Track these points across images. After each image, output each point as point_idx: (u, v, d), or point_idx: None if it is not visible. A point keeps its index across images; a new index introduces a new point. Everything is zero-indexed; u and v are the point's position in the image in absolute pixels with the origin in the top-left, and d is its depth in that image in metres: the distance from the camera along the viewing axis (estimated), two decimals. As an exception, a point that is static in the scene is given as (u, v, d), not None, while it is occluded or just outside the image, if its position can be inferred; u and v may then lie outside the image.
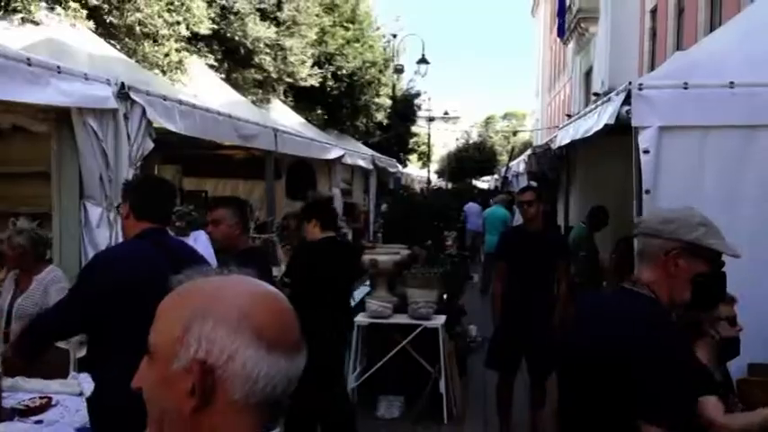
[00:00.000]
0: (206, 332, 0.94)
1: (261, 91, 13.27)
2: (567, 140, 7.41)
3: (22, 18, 6.39)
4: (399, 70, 23.57)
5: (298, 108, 15.56)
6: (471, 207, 14.31)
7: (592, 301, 2.33)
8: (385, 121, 22.40)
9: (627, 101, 4.56)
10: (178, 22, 9.31)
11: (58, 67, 4.41)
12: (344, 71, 17.82)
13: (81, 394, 3.15)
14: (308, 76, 14.46)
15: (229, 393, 0.94)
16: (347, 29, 18.77)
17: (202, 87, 9.10)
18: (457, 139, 46.83)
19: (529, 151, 13.26)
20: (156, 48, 9.15)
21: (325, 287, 4.28)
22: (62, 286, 3.92)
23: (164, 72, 9.15)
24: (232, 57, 12.09)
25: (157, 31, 9.14)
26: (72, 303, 2.62)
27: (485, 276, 12.59)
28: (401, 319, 5.57)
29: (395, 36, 23.55)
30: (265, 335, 0.95)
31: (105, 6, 8.26)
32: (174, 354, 0.95)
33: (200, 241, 6.80)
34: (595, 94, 17.94)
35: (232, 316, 0.95)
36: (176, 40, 9.61)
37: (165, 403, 0.97)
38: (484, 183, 44.20)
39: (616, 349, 1.86)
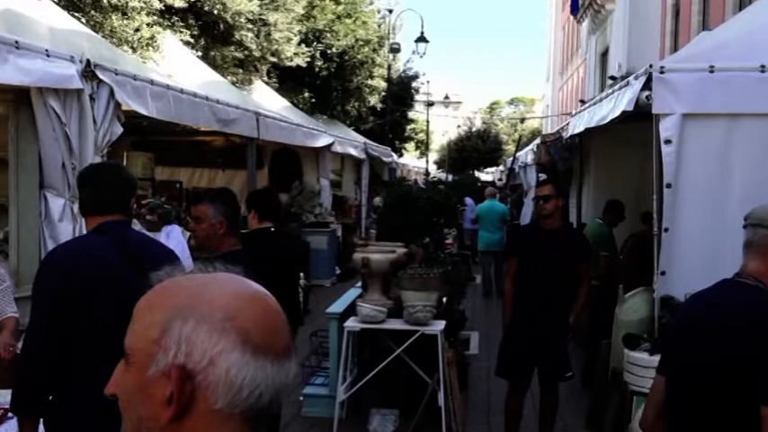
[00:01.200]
0: (186, 333, 0.93)
1: (242, 71, 13.24)
2: (580, 129, 7.41)
3: (-24, -13, 6.35)
4: (395, 50, 23.53)
5: (282, 90, 15.54)
6: (468, 203, 14.33)
7: (700, 303, 2.40)
8: (379, 106, 22.39)
9: (647, 85, 4.57)
10: (150, -6, 9.26)
11: (16, 42, 4.39)
12: (334, 50, 17.80)
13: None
14: (295, 54, 14.44)
15: (210, 401, 0.93)
16: (338, 3, 18.74)
17: (177, 66, 9.07)
18: (458, 126, 46.87)
19: (538, 140, 13.28)
20: (125, 22, 9.11)
21: (258, 280, 4.28)
22: (6, 286, 3.82)
23: (134, 49, 9.11)
24: (210, 32, 12.05)
25: (127, 3, 9.09)
26: (41, 324, 2.51)
27: (485, 277, 12.72)
28: (396, 324, 5.57)
29: (390, 12, 23.53)
30: (252, 338, 0.94)
31: (69, -25, 8.22)
32: (152, 357, 0.94)
33: (173, 237, 6.80)
34: (612, 78, 17.96)
35: (216, 317, 0.94)
36: (148, 14, 9.57)
37: (141, 412, 0.96)
38: (488, 174, 44.27)
39: (744, 356, 2.06)
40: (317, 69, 17.03)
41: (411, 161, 37.26)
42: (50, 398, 2.56)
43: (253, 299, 0.99)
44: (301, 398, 6.17)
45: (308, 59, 15.62)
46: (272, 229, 4.76)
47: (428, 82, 36.00)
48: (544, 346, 5.08)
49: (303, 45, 15.42)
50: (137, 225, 6.38)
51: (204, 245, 3.54)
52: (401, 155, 31.01)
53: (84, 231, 4.35)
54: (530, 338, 5.09)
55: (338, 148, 13.39)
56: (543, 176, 11.52)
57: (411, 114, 32.17)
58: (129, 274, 2.56)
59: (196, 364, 0.92)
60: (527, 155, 16.74)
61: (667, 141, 4.49)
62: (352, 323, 5.60)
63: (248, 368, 0.93)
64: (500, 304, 11.39)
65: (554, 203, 5.07)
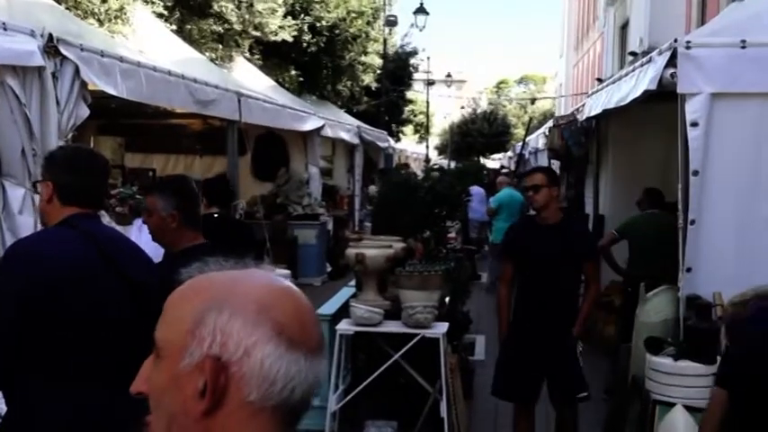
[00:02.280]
0: (221, 324, 1.00)
1: (221, 46, 13.19)
2: (597, 110, 7.42)
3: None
4: (392, 23, 23.49)
5: (267, 68, 15.50)
6: (475, 192, 14.36)
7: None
8: (374, 85, 22.35)
9: (671, 62, 4.57)
10: (119, -40, 9.21)
11: (-30, 13, 4.36)
12: (324, 23, 17.75)
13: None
14: (280, 28, 14.40)
15: (244, 394, 1.00)
16: (328, -30, 18.68)
17: (149, 41, 9.03)
18: (462, 108, 46.86)
19: (550, 123, 13.28)
20: (91, -9, 9.05)
21: None
22: None
23: (101, 22, 9.06)
24: (186, 4, 12.01)
25: (93, -29, 9.04)
26: (2, 331, 2.49)
27: (492, 273, 12.74)
28: (393, 326, 5.57)
29: (387, -20, 23.48)
30: (286, 331, 1.02)
31: (28, -61, 8.16)
32: (185, 349, 1.01)
33: (145, 231, 6.79)
34: (632, 54, 17.95)
35: (250, 308, 1.02)
36: (117, -17, 9.51)
37: (173, 407, 1.02)
38: (494, 161, 44.27)
39: None
40: (304, 45, 16.97)
41: (410, 146, 37.25)
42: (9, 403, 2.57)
43: (286, 293, 1.08)
44: (289, 409, 6.16)
45: (295, 33, 15.58)
46: (216, 215, 4.84)
47: (428, 59, 35.97)
48: (549, 362, 4.94)
49: (289, 17, 15.38)
50: (105, 218, 6.39)
51: (159, 241, 3.49)
52: (398, 139, 30.97)
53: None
54: (531, 352, 4.99)
55: (329, 132, 13.37)
56: (557, 163, 11.54)
57: (409, 95, 32.12)
58: (103, 272, 2.55)
59: (231, 356, 1.00)
60: (538, 139, 16.76)
61: (694, 124, 4.49)
62: (344, 326, 5.60)
63: (282, 361, 1.01)
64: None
65: (546, 194, 4.88)
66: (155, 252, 3.55)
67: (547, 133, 13.07)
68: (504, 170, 23.00)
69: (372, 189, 14.99)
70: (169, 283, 3.03)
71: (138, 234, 6.10)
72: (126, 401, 1.23)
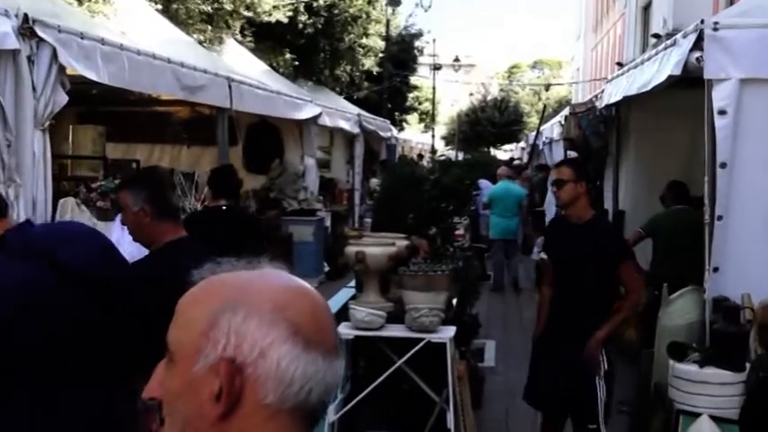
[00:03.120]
0: (236, 325, 1.05)
1: (210, 28, 13.20)
2: (617, 97, 7.41)
3: None
4: (395, 2, 23.53)
5: (260, 51, 15.50)
6: (484, 186, 14.40)
7: None
8: (375, 70, 22.35)
9: (697, 45, 4.58)
10: (100, -66, 9.22)
11: (-61, -8, 4.37)
12: (321, 2, 17.75)
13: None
14: (274, 8, 14.41)
15: (260, 396, 1.04)
16: (326, -55, 18.67)
17: (132, 22, 9.03)
18: (471, 95, 46.77)
19: (566, 111, 13.26)
20: (70, -32, 9.06)
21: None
22: None
23: (80, 1, 9.07)
24: (172, -19, 12.01)
25: (72, -54, 9.04)
26: None
27: (498, 270, 12.92)
28: (396, 331, 5.58)
29: (389, -44, 23.47)
30: (303, 331, 1.06)
31: None
32: (199, 351, 1.05)
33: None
34: (655, 36, 17.93)
35: (265, 308, 1.06)
36: (97, -41, 9.52)
37: (187, 411, 1.06)
38: (506, 152, 44.21)
39: None
40: (300, 26, 16.98)
41: (414, 136, 37.20)
42: None
43: (301, 292, 1.13)
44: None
45: (290, 14, 15.59)
46: (224, 208, 4.86)
47: (434, 41, 35.95)
48: (568, 379, 4.83)
49: (284, -4, 15.38)
50: (86, 213, 6.41)
51: (139, 239, 3.51)
52: (402, 129, 30.97)
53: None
54: (554, 363, 4.94)
55: (327, 121, 13.36)
56: (573, 155, 11.53)
57: (414, 80, 32.12)
58: (50, 284, 2.58)
59: (246, 357, 1.04)
60: (553, 129, 16.72)
61: (722, 112, 4.50)
62: (344, 330, 5.61)
63: (299, 361, 1.05)
64: (518, 305, 11.52)
65: (571, 190, 4.78)
66: (141, 253, 3.56)
67: (563, 122, 13.06)
68: (515, 162, 23.03)
69: (374, 182, 15.00)
70: (154, 281, 3.03)
71: (122, 232, 6.11)
72: (104, 400, 1.26)
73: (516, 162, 22.39)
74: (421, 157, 23.58)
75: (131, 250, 3.95)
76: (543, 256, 5.95)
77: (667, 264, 6.56)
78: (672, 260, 6.45)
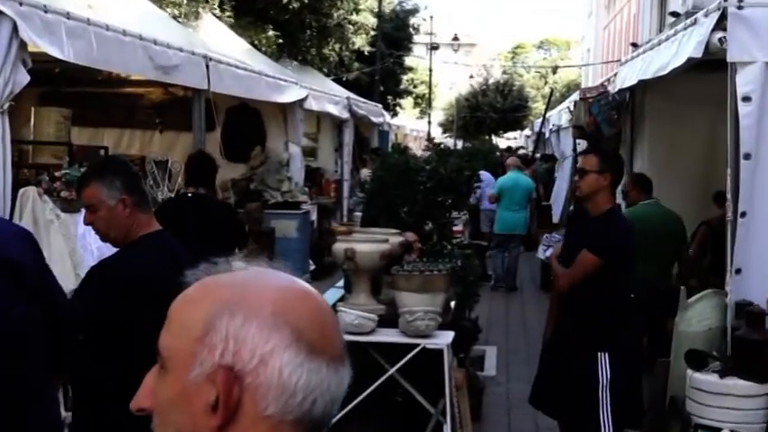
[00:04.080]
0: (234, 330, 1.05)
1: (186, 1, 13.15)
2: (632, 81, 7.42)
3: None
4: (389, -26, 23.44)
5: (240, 28, 15.45)
6: (485, 178, 14.43)
7: None
8: (367, 50, 22.32)
9: (720, 25, 4.58)
10: None
11: None
12: (308, -26, 17.71)
13: None
14: (256, -20, 14.36)
15: (260, 407, 1.04)
16: None
17: (100, -6, 9.00)
18: (471, 77, 46.81)
19: (575, 96, 13.29)
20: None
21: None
22: None
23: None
24: (144, -50, 11.94)
25: None
26: None
27: (509, 268, 13.04)
28: (389, 335, 5.59)
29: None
30: (306, 336, 1.06)
31: None
32: (194, 358, 1.05)
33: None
34: (674, 15, 17.92)
35: (266, 312, 1.06)
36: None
37: (181, 423, 1.07)
38: (509, 140, 44.25)
39: None
40: (284, 0, 16.93)
41: (409, 122, 37.24)
42: None
43: (304, 295, 1.13)
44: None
45: (274, -13, 15.53)
46: (189, 195, 4.91)
47: (431, 18, 35.95)
48: (561, 385, 4.90)
49: (267, -33, 15.34)
50: (48, 204, 6.38)
51: (110, 239, 3.43)
52: (396, 114, 30.96)
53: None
54: (556, 367, 5.00)
55: (313, 105, 13.34)
56: (582, 144, 11.53)
57: (409, 61, 32.09)
58: None
59: (245, 365, 1.03)
60: (561, 115, 16.77)
61: (746, 99, 4.50)
62: (331, 334, 5.61)
63: (303, 369, 1.05)
64: (522, 308, 11.53)
65: (593, 181, 4.77)
66: (111, 249, 3.54)
67: (572, 108, 13.08)
68: (521, 152, 23.04)
69: (365, 173, 14.99)
70: (126, 279, 3.03)
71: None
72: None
73: (522, 152, 22.40)
74: (399, 147, 23.56)
75: (100, 246, 3.94)
76: (549, 254, 5.99)
77: (645, 266, 6.40)
78: (646, 262, 6.23)
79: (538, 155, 19.65)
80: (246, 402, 1.03)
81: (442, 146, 9.20)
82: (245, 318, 1.05)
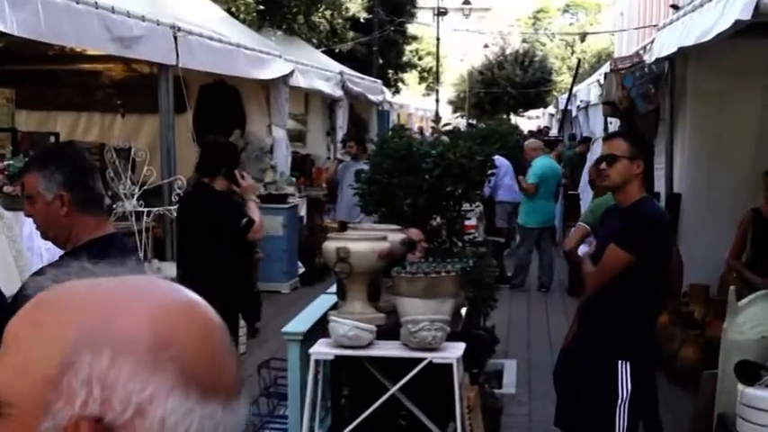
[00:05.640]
0: (100, 371, 0.92)
1: (150, -38, 13.13)
2: (671, 49, 7.41)
3: None
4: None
5: (214, -8, 15.47)
6: (501, 164, 14.45)
7: None
8: (363, 17, 22.30)
9: (773, -20, 4.57)
10: None
11: None
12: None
13: None
14: (232, -64, 14.36)
15: None
16: None
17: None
18: (485, 47, 46.81)
19: (606, 68, 13.27)
20: None
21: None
22: None
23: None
24: None
25: None
26: None
27: (544, 265, 13.15)
28: (390, 349, 5.58)
29: None
30: (196, 375, 0.96)
31: None
32: (45, 407, 0.91)
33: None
34: (674, 7, 17.94)
35: (141, 345, 0.94)
36: None
37: None
38: (530, 120, 44.24)
39: None
40: (266, -41, 16.93)
41: (413, 100, 37.24)
42: None
43: (188, 314, 1.00)
44: (246, 462, 6.21)
45: (253, -56, 15.52)
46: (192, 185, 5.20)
47: (438, -22, 35.91)
48: (583, 401, 4.99)
49: None
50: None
51: (50, 236, 3.42)
52: (398, 91, 30.96)
53: None
54: (574, 379, 5.08)
55: (300, 81, 13.34)
56: (615, 123, 11.53)
57: (412, 29, 32.06)
58: None
59: (117, 416, 0.91)
60: (590, 90, 16.75)
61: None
62: (322, 348, 5.62)
63: (193, 416, 0.94)
64: (550, 315, 11.54)
65: (624, 169, 4.80)
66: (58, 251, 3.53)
67: (602, 81, 13.07)
68: (548, 133, 23.00)
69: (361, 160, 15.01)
70: None
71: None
72: None
73: (553, 136, 22.39)
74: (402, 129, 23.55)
75: (50, 247, 3.93)
76: (583, 251, 5.94)
77: None
78: None
79: (563, 136, 19.66)
80: None
81: (450, 126, 9.16)
82: (114, 354, 0.92)
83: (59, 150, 3.62)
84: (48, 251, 3.66)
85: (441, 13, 37.62)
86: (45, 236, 3.41)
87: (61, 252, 3.45)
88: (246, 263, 6.77)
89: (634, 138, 5.17)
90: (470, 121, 31.25)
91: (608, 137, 5.89)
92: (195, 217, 6.55)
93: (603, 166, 4.90)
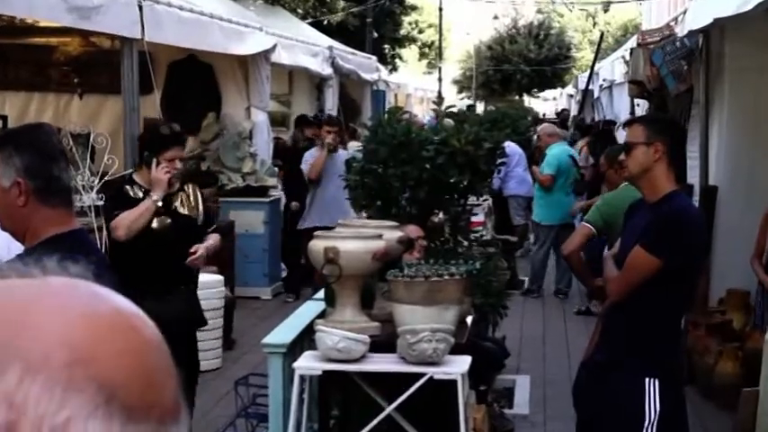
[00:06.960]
0: (7, 389, 0.88)
1: None
2: (706, 20, 7.42)
3: None
4: None
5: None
6: (512, 153, 14.42)
7: None
8: (355, -17, 22.31)
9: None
10: None
11: None
12: None
13: None
14: None
15: None
16: None
17: None
18: (495, 19, 46.83)
19: (633, 42, 13.29)
20: None
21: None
22: None
23: None
24: None
25: None
26: None
27: (535, 268, 13.18)
28: (385, 363, 5.60)
29: None
30: (121, 395, 0.92)
31: None
32: None
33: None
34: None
35: (57, 360, 0.90)
36: None
37: None
38: (546, 101, 44.29)
39: None
40: None
41: (413, 80, 37.19)
42: None
43: (113, 325, 0.96)
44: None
45: None
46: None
47: (441, -60, 35.93)
48: (598, 419, 5.02)
49: None
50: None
51: (9, 231, 3.43)
52: (395, 69, 30.98)
53: None
54: (596, 392, 5.07)
55: (284, 57, 13.34)
56: (642, 105, 11.54)
57: (411, -2, 32.07)
58: None
59: None
60: (614, 67, 16.77)
61: None
62: (308, 362, 5.63)
63: None
64: (568, 326, 11.57)
65: (641, 156, 4.76)
66: (7, 251, 3.53)
67: (627, 58, 13.08)
68: (559, 114, 22.97)
69: (353, 147, 15.01)
70: None
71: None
72: None
73: (581, 121, 22.36)
74: (399, 111, 23.46)
75: (9, 244, 3.94)
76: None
77: None
78: None
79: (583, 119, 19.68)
80: None
81: (454, 108, 9.16)
82: (24, 371, 0.89)
83: (22, 132, 3.60)
84: (7, 248, 3.67)
85: (444, -21, 37.73)
86: (5, 228, 3.41)
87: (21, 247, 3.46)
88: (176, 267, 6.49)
89: (651, 120, 5.18)
90: (470, 104, 31.23)
91: (627, 123, 5.89)
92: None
93: (622, 157, 4.90)
